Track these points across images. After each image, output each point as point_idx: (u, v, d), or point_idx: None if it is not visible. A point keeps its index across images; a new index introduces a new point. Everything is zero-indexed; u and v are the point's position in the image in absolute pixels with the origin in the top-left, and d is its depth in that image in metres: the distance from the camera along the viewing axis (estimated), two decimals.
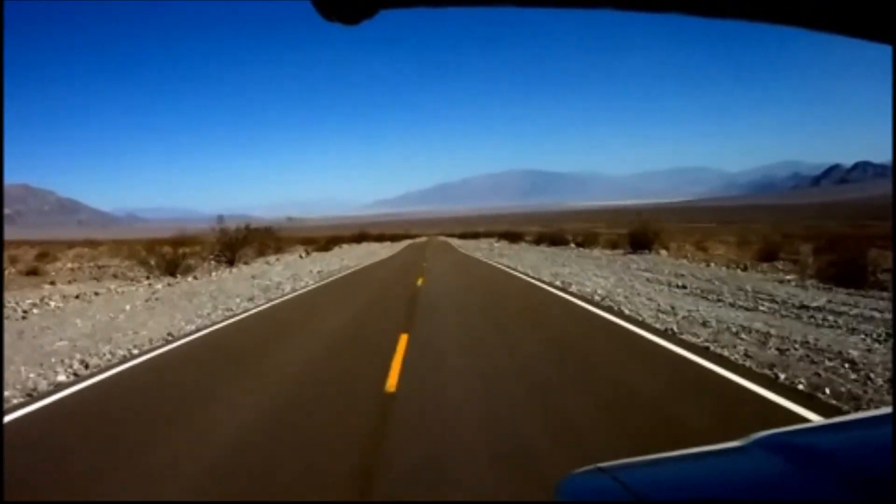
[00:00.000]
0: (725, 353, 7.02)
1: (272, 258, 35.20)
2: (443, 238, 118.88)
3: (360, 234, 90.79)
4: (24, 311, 12.97)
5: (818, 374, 5.88)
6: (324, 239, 66.15)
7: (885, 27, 0.55)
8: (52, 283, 22.28)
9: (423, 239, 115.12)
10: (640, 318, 9.79)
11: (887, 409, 1.06)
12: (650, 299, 12.02)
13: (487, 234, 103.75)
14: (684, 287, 14.22)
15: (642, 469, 1.01)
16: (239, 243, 29.59)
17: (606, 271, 19.94)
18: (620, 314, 10.39)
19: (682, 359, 6.89)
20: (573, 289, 14.84)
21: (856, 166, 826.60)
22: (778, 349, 7.05)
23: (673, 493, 0.89)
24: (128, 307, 13.37)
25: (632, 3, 0.59)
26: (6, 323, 11.03)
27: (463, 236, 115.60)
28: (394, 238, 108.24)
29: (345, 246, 66.12)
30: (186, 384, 6.48)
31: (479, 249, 48.95)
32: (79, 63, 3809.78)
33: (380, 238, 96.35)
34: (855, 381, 5.64)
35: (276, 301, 14.56)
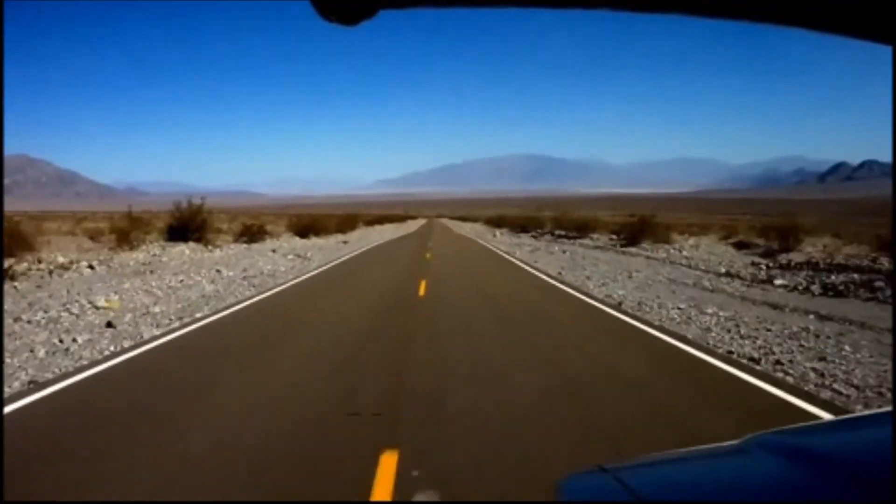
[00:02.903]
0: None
1: None
2: (450, 225, 72.84)
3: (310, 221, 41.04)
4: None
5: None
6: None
7: (885, 27, 0.55)
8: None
9: (417, 225, 77.08)
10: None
11: (887, 409, 1.04)
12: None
13: (496, 219, 68.77)
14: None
15: (643, 469, 1.03)
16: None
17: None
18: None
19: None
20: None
21: (862, 164, 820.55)
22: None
23: (674, 493, 0.90)
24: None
25: (632, 3, 0.58)
26: None
27: (496, 223, 71.45)
28: (346, 223, 50.36)
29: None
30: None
31: None
32: (82, 32, 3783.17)
33: (307, 228, 37.52)
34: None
35: None
